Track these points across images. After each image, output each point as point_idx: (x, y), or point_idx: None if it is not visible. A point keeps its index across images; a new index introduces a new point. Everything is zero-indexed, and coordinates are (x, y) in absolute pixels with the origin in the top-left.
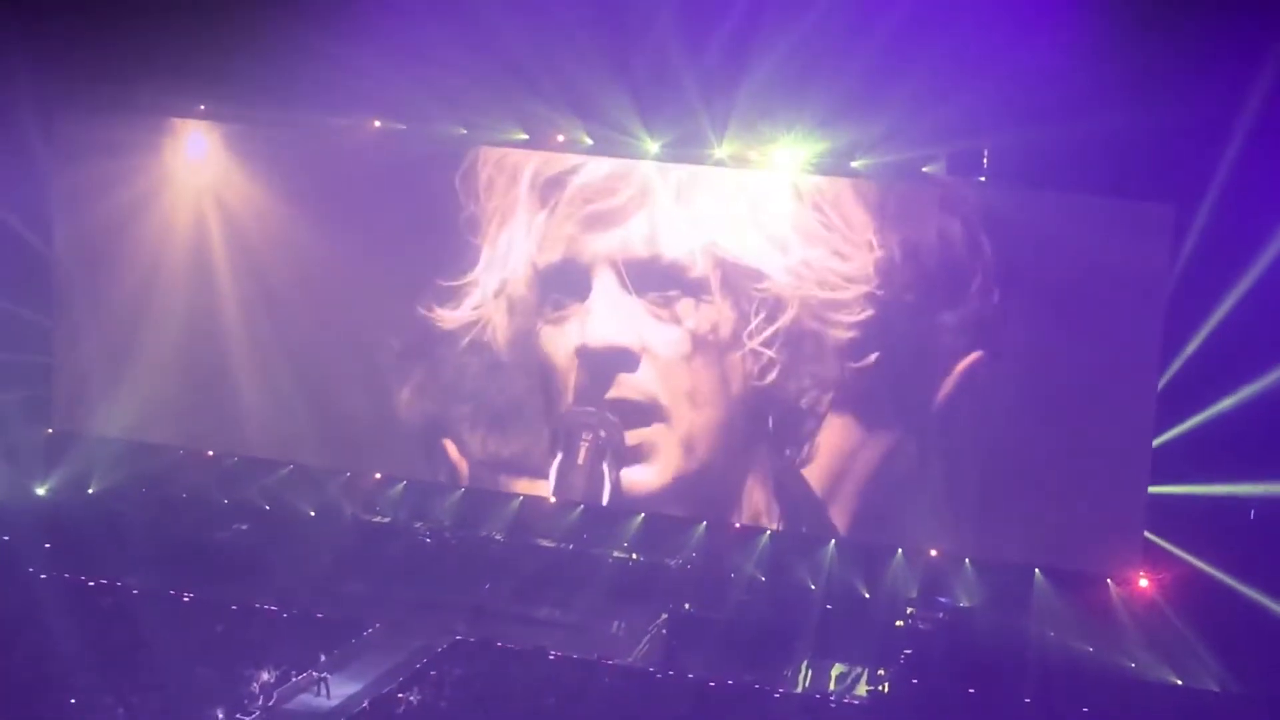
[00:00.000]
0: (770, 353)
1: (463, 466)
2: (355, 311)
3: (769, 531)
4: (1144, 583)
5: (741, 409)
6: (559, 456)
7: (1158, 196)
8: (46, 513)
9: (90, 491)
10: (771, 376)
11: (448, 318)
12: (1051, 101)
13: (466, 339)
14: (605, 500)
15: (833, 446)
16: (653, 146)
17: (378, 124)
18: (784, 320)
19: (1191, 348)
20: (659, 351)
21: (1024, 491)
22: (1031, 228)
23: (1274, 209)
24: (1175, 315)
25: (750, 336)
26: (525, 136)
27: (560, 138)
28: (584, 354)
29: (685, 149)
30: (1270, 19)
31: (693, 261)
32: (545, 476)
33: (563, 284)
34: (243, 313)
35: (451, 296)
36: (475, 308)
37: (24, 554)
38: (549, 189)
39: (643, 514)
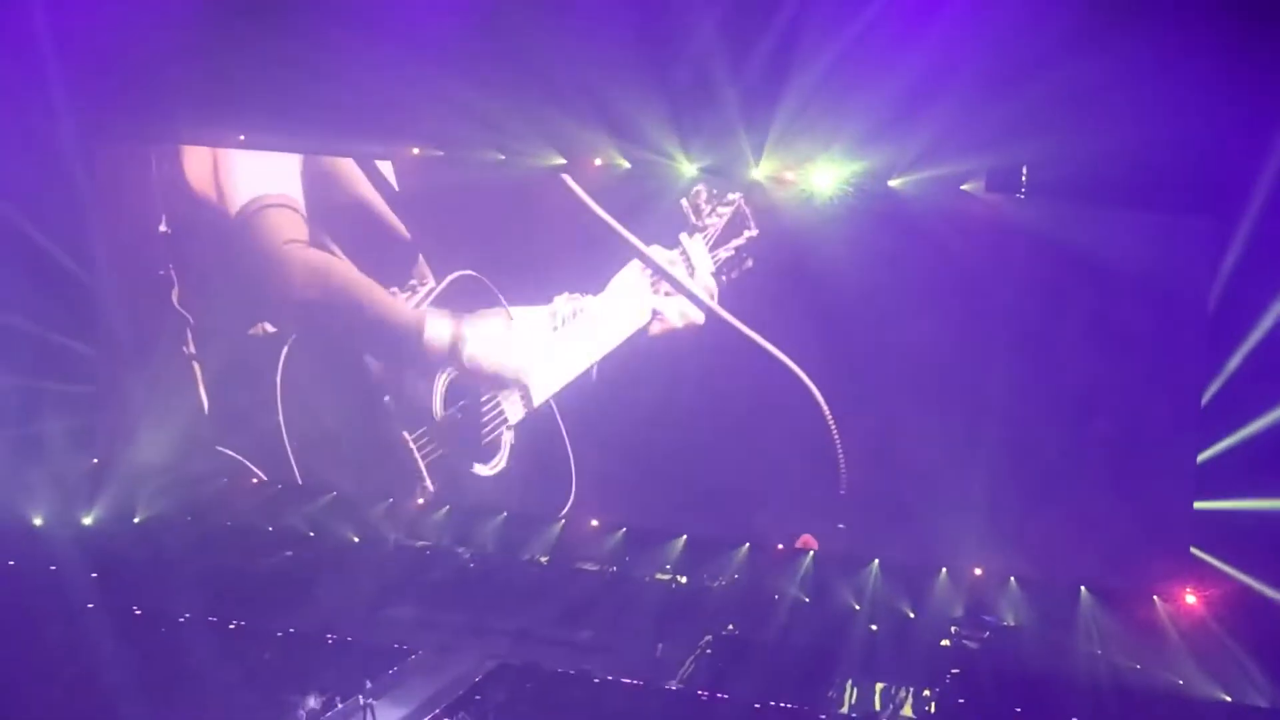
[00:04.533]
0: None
1: None
2: (395, 336)
3: (812, 553)
4: (1191, 599)
5: (771, 422)
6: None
7: (1198, 209)
8: (93, 542)
9: (136, 521)
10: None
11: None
12: (1090, 116)
13: None
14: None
15: (871, 463)
16: (690, 168)
17: (416, 151)
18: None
19: (1235, 361)
20: (687, 362)
21: (1068, 508)
22: (1071, 243)
23: None
24: (1218, 329)
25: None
26: (563, 161)
27: (598, 161)
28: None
29: (723, 170)
30: None
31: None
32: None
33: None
34: (285, 340)
35: None
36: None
37: (71, 583)
38: None
39: (685, 535)
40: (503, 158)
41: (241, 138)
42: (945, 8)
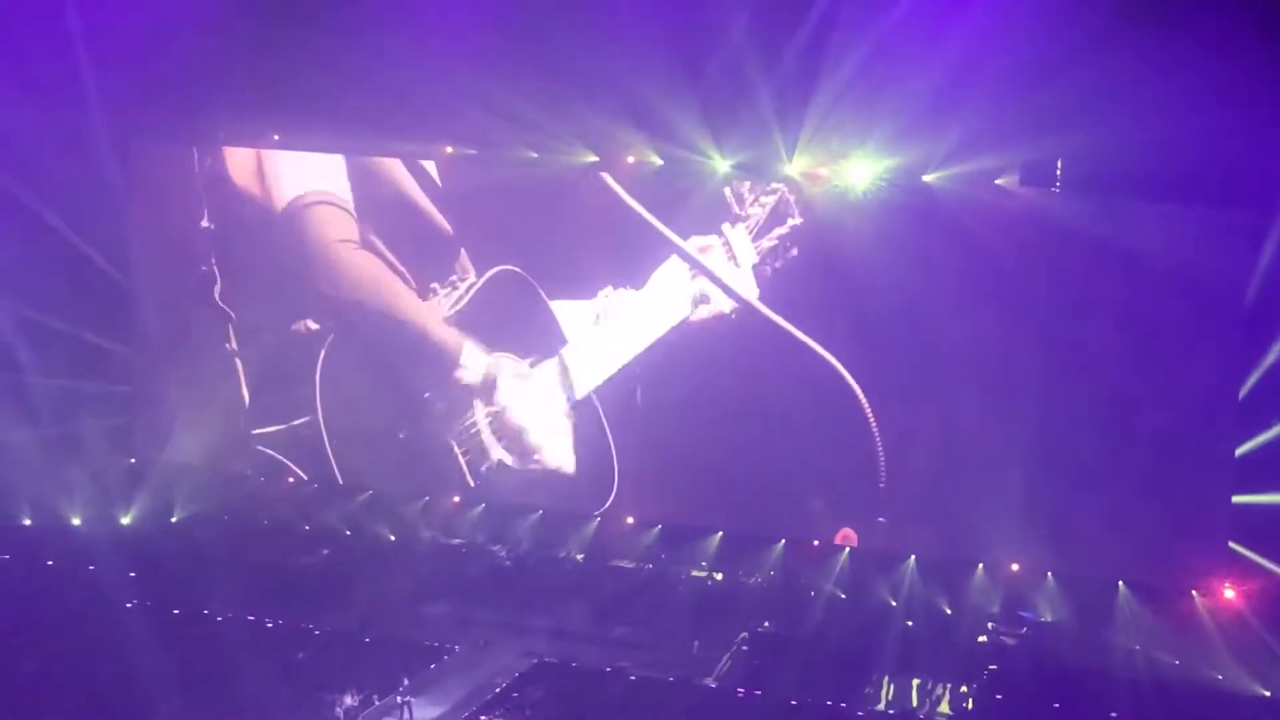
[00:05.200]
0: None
1: None
2: (431, 356)
3: (848, 549)
4: (1230, 594)
5: (809, 416)
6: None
7: (1235, 203)
8: (131, 542)
9: (173, 520)
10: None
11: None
12: (1126, 109)
13: None
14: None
15: (907, 459)
16: (723, 165)
17: (449, 150)
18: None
19: (1273, 355)
20: (727, 356)
21: (1106, 503)
22: (1107, 237)
23: None
24: (1255, 322)
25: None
26: (595, 158)
27: (630, 159)
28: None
29: (756, 166)
30: None
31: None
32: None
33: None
34: (316, 341)
35: None
36: None
37: (110, 583)
38: None
39: (721, 533)
40: (536, 156)
41: (276, 137)
42: (978, 1)
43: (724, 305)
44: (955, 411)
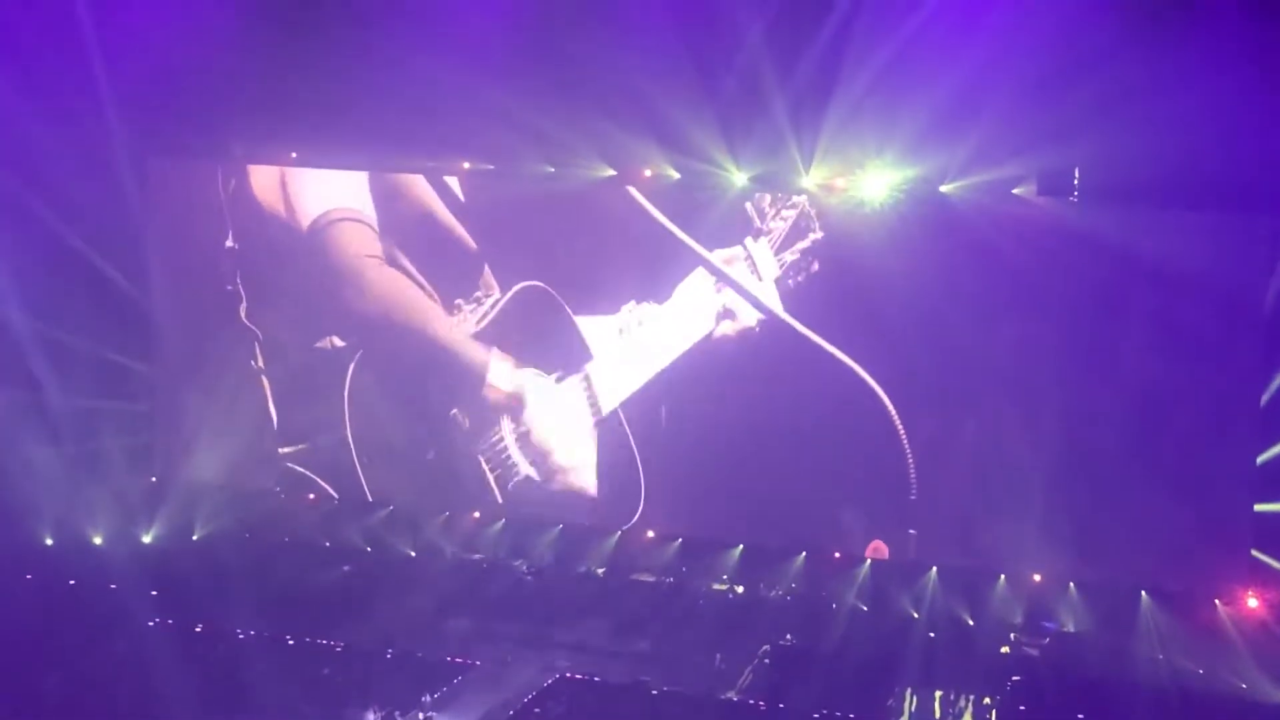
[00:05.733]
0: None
1: None
2: (457, 373)
3: (869, 561)
4: (1253, 602)
5: (835, 429)
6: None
7: (1253, 208)
8: (152, 560)
9: (194, 538)
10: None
11: None
12: (1142, 115)
13: None
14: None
15: (928, 471)
16: (740, 178)
17: (466, 165)
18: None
19: None
20: (752, 369)
21: (1127, 512)
22: (1124, 244)
23: None
24: (1276, 327)
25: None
26: (613, 172)
27: (648, 172)
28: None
29: (773, 179)
30: None
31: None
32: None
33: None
34: (342, 358)
35: None
36: None
37: (131, 601)
38: None
39: (742, 545)
40: (552, 170)
41: (294, 155)
42: (993, 10)
43: (748, 319)
44: (976, 422)
